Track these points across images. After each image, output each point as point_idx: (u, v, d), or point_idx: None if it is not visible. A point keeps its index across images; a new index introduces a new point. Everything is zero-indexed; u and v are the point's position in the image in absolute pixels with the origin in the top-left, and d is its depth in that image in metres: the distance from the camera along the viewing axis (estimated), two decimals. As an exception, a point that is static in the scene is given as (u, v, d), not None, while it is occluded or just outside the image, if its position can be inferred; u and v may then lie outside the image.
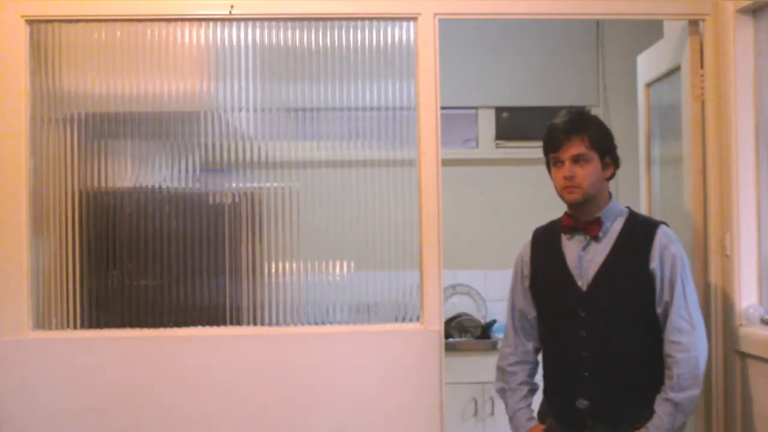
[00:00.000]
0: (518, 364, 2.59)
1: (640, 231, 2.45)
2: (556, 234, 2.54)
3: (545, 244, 2.57)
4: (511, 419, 2.58)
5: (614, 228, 2.46)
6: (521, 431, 2.54)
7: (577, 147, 2.42)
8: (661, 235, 2.42)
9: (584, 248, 2.47)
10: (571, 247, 2.49)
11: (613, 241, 2.45)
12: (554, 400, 2.53)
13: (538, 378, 2.61)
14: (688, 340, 2.34)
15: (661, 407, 2.35)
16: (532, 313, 2.59)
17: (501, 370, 2.63)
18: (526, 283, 2.59)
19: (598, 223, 2.46)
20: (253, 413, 2.80)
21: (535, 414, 2.57)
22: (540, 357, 2.61)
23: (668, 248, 2.40)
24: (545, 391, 2.57)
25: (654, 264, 2.39)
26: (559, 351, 2.51)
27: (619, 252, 2.43)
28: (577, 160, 2.42)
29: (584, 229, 2.47)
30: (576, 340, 2.43)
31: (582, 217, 2.48)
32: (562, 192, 2.46)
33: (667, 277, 2.38)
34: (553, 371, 2.54)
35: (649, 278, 2.39)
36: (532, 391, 2.60)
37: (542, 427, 2.52)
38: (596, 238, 2.46)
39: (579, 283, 2.43)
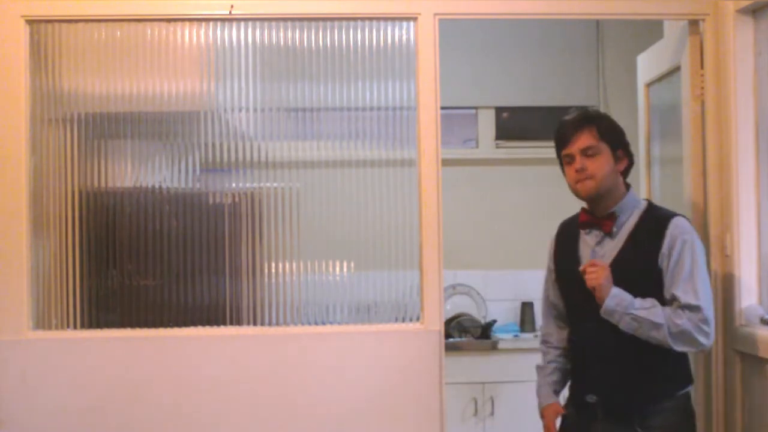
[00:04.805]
0: (550, 346, 2.65)
1: (653, 225, 2.42)
2: (576, 229, 2.55)
3: (566, 238, 2.58)
4: (537, 395, 2.63)
5: (629, 223, 2.46)
6: (540, 407, 2.60)
7: (586, 139, 2.43)
8: (673, 227, 2.39)
9: (598, 243, 2.47)
10: (588, 242, 2.50)
11: (626, 236, 2.44)
12: (572, 391, 2.58)
13: None
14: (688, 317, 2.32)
15: (654, 303, 2.34)
16: (561, 304, 2.61)
17: (540, 349, 2.70)
18: (553, 276, 2.62)
19: (612, 218, 2.45)
20: (252, 413, 2.80)
21: (556, 390, 2.61)
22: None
23: (678, 238, 2.37)
24: (570, 381, 2.62)
25: (662, 257, 2.37)
26: (577, 345, 2.56)
27: (630, 247, 2.42)
28: (587, 152, 2.42)
29: (599, 225, 2.47)
30: (588, 335, 2.47)
31: (598, 212, 2.48)
32: (576, 187, 2.46)
33: (674, 261, 2.36)
34: (573, 363, 2.59)
35: (658, 273, 2.38)
36: (560, 370, 2.62)
37: (558, 407, 2.56)
38: (610, 234, 2.46)
39: None
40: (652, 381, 2.39)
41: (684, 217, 2.47)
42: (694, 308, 2.32)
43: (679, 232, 2.38)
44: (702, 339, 2.33)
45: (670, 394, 2.40)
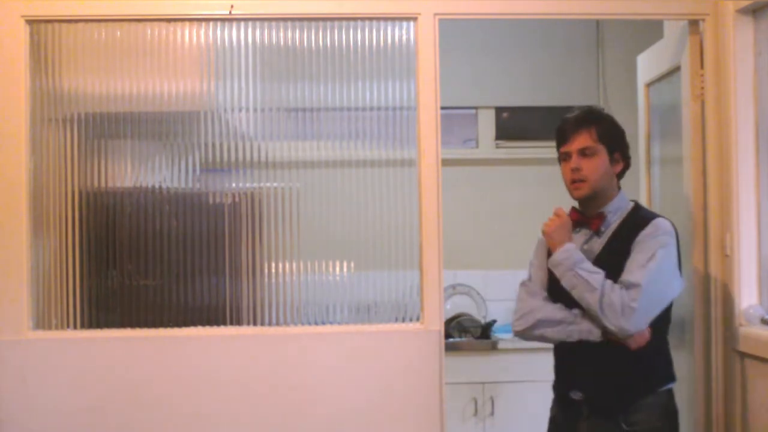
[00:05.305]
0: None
1: (633, 225, 2.45)
2: None
3: None
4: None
5: (615, 223, 2.49)
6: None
7: (584, 140, 2.45)
8: (651, 226, 2.41)
9: (586, 242, 2.50)
10: (577, 240, 2.52)
11: (609, 235, 2.48)
12: (555, 389, 2.58)
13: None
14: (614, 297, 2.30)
15: (601, 272, 2.35)
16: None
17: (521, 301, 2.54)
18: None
19: (600, 217, 2.48)
20: (252, 413, 2.80)
21: None
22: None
23: (651, 234, 2.37)
24: (554, 379, 2.61)
25: (632, 252, 2.39)
26: (561, 342, 2.53)
27: (610, 246, 2.46)
28: (584, 152, 2.45)
29: (588, 224, 2.50)
30: None
31: (588, 212, 2.51)
32: (570, 187, 2.49)
33: (635, 251, 2.36)
34: (555, 361, 2.59)
35: None
36: None
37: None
38: (597, 233, 2.49)
39: None
40: (632, 376, 2.41)
41: (668, 220, 2.47)
42: (632, 285, 2.30)
43: (654, 229, 2.40)
44: (623, 319, 2.29)
45: (651, 389, 2.42)
